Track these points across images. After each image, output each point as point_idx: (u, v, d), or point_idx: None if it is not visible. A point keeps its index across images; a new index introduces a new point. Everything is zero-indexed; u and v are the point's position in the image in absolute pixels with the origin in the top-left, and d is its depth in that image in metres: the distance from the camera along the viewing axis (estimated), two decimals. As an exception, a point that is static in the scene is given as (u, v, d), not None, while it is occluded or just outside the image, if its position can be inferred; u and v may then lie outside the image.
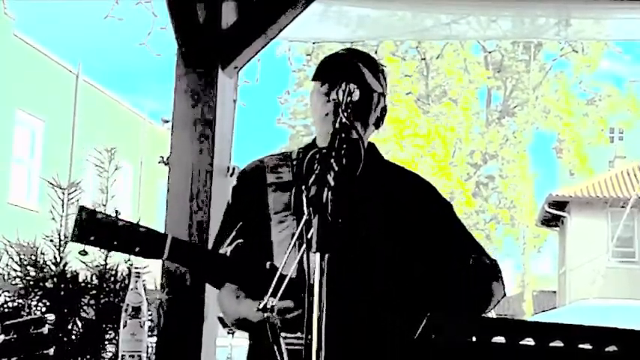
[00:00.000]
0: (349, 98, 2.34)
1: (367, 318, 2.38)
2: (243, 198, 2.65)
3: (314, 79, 2.59)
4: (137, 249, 2.29)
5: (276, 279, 2.16)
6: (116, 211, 2.41)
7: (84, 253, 3.33)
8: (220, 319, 3.91)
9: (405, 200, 2.60)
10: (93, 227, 2.26)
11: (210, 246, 2.74)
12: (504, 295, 2.63)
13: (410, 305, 2.39)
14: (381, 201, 2.57)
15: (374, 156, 2.66)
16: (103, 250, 3.24)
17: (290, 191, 2.55)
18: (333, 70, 2.54)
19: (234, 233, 2.58)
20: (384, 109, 2.65)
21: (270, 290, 2.16)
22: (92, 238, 2.27)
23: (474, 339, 2.36)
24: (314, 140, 2.68)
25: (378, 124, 2.65)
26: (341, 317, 2.28)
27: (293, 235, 2.17)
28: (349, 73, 2.47)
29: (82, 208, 2.28)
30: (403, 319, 2.36)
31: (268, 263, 2.36)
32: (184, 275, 3.70)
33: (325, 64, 2.56)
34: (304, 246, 2.04)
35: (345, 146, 2.22)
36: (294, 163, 2.63)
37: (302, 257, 2.10)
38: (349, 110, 2.34)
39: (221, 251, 2.55)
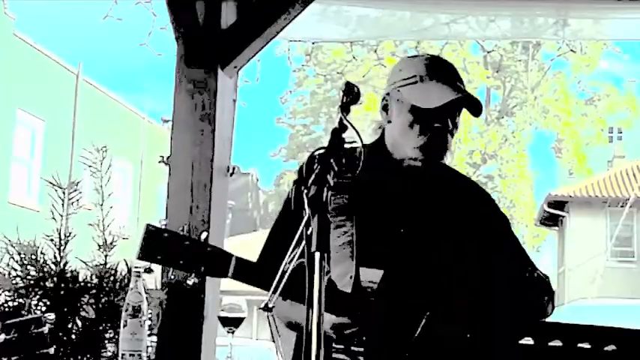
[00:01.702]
0: (348, 98, 2.35)
1: (417, 325, 2.32)
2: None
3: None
4: (203, 268, 2.26)
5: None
6: (182, 229, 2.36)
7: (149, 270, 3.32)
8: (220, 319, 3.92)
9: (463, 209, 2.55)
10: (159, 246, 2.22)
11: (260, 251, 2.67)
12: (552, 311, 2.55)
13: (463, 316, 2.34)
14: (438, 208, 2.52)
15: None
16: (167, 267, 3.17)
17: (348, 194, 2.47)
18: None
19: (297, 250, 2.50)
20: None
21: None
22: (159, 257, 2.24)
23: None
24: (380, 140, 2.62)
25: None
26: (392, 325, 2.27)
27: (350, 241, 2.14)
28: None
29: (148, 227, 2.23)
30: (453, 331, 2.32)
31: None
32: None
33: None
34: (303, 244, 2.04)
35: (344, 146, 2.23)
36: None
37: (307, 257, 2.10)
38: (349, 110, 2.35)
39: (283, 267, 2.48)
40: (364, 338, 2.20)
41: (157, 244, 2.22)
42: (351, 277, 2.12)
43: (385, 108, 2.58)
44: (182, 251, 2.22)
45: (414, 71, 2.53)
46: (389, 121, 2.56)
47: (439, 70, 2.55)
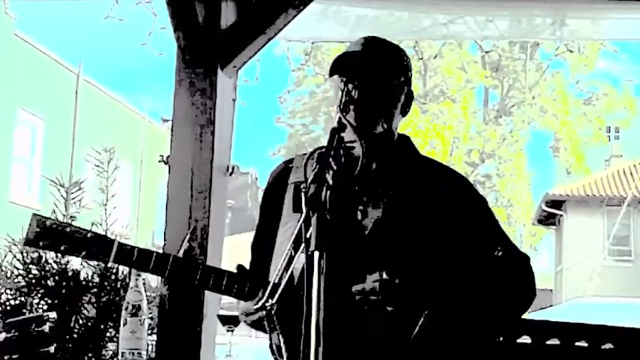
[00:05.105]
0: (347, 97, 2.37)
1: (387, 313, 2.34)
2: (265, 200, 2.66)
3: (331, 74, 2.49)
4: (83, 253, 2.49)
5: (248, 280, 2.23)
6: (71, 217, 3.04)
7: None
8: (220, 317, 3.94)
9: (438, 194, 2.48)
10: (43, 233, 2.47)
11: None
12: (534, 295, 2.47)
13: (434, 301, 2.35)
14: (413, 194, 2.48)
15: (408, 149, 2.58)
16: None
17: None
18: (349, 66, 2.47)
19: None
20: (408, 95, 2.55)
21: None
22: (41, 243, 2.48)
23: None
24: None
25: (404, 111, 2.55)
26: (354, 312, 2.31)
27: (292, 233, 2.19)
28: (362, 71, 2.44)
29: (34, 216, 2.48)
30: (424, 316, 2.34)
31: (237, 265, 2.43)
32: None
33: (340, 60, 2.47)
34: (303, 244, 2.06)
35: (343, 145, 2.25)
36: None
37: (290, 257, 2.18)
38: (348, 109, 2.37)
39: (281, 266, 2.42)
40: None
41: (40, 232, 2.47)
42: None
43: None
44: (64, 237, 2.48)
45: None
46: None
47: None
